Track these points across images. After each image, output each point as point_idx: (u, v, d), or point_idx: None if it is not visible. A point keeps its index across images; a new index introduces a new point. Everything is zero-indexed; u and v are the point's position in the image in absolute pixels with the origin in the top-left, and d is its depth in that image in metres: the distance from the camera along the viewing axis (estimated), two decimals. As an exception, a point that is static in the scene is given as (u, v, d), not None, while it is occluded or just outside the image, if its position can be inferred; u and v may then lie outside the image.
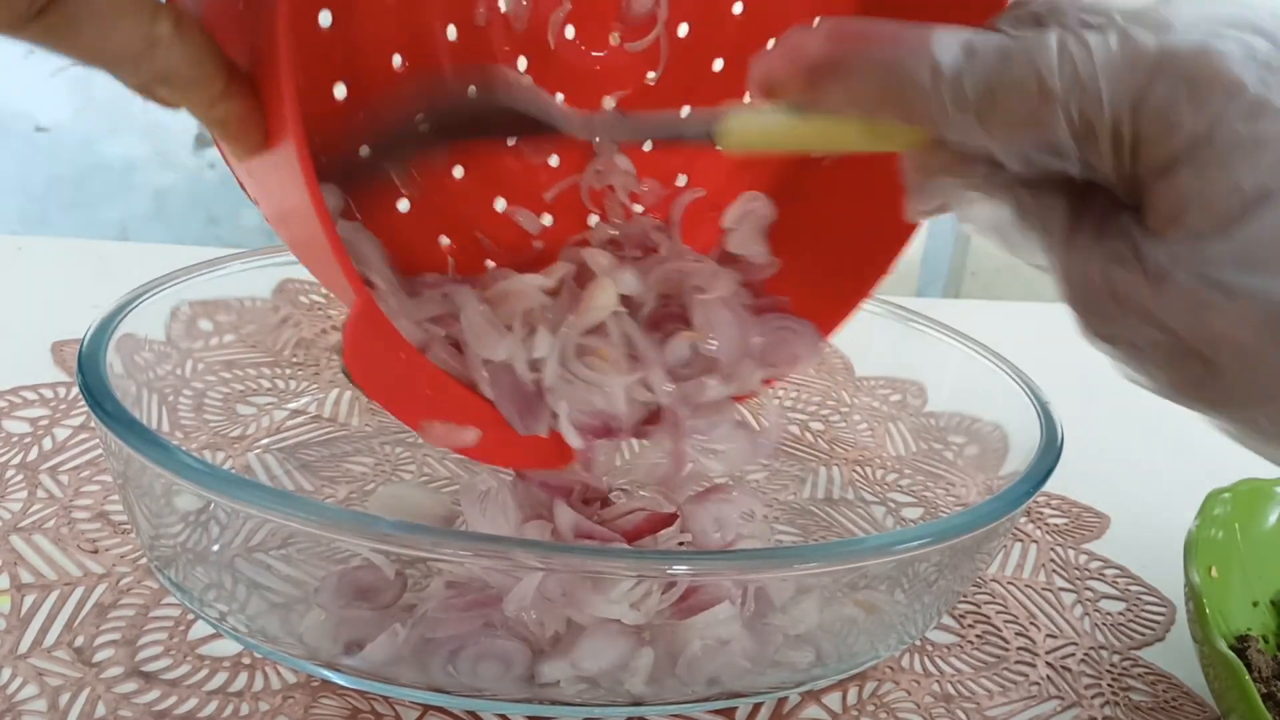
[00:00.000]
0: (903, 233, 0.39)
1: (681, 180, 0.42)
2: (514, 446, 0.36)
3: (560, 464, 0.37)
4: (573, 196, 0.40)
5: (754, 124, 0.30)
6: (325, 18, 0.33)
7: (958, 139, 0.25)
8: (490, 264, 0.39)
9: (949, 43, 0.25)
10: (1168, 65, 0.23)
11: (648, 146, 0.41)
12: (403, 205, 0.37)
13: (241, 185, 0.31)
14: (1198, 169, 0.22)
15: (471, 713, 0.34)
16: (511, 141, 0.38)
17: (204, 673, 0.34)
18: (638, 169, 0.41)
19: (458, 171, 0.38)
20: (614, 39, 0.39)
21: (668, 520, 0.37)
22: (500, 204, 0.39)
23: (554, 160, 0.39)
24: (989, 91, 0.24)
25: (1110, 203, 0.25)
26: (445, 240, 0.38)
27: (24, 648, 0.34)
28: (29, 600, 0.36)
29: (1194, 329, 0.23)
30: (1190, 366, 0.24)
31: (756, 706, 0.36)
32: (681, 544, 0.38)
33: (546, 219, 0.40)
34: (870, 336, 0.51)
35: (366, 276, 0.33)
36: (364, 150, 0.34)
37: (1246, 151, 0.22)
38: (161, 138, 1.37)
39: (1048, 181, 0.26)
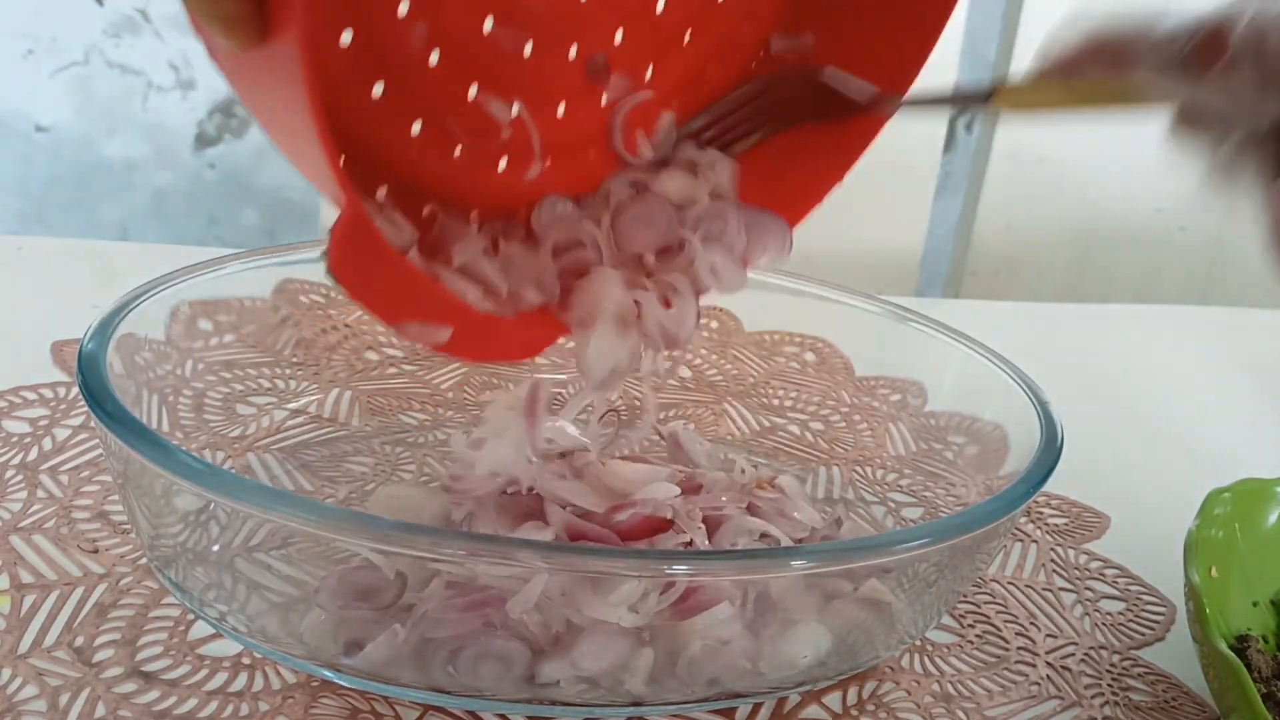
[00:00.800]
0: (868, 131, 0.40)
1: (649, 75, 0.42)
2: (484, 342, 0.38)
3: (527, 355, 0.39)
4: (545, 85, 0.40)
5: (1027, 87, 0.34)
6: None
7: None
8: (458, 151, 0.39)
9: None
10: None
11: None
12: (377, 90, 0.36)
13: (229, 81, 0.32)
14: None
15: (471, 713, 0.34)
16: (488, 28, 0.38)
17: (204, 673, 0.34)
18: (610, 62, 0.40)
19: (434, 58, 0.37)
20: None
21: (664, 525, 0.37)
22: (472, 91, 0.39)
23: (528, 49, 0.39)
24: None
25: None
26: (417, 127, 0.38)
27: (24, 648, 0.34)
28: (29, 600, 0.36)
29: None
30: None
31: (756, 706, 0.36)
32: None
33: (516, 108, 0.40)
34: (870, 336, 0.51)
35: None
36: (346, 37, 0.34)
37: None
38: (161, 138, 1.37)
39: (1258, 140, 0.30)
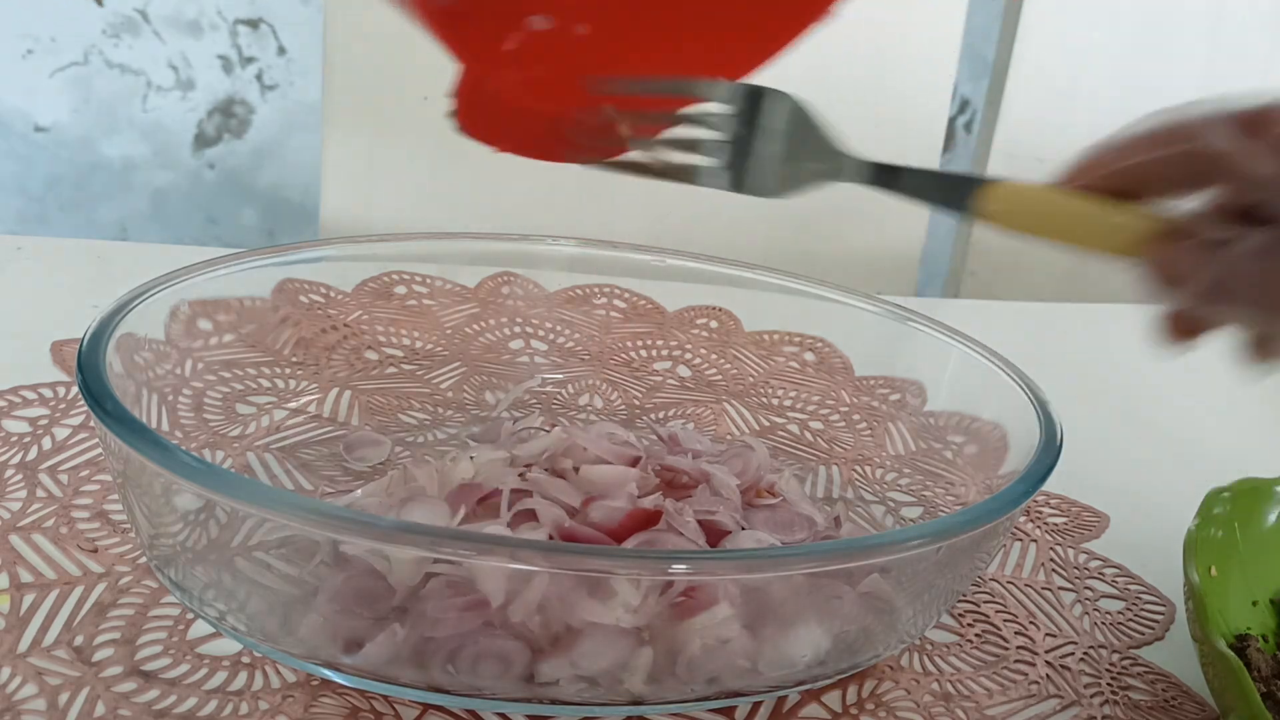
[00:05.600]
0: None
1: None
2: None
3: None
4: None
5: (1021, 193, 0.33)
6: None
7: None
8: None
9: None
10: None
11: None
12: None
13: None
14: None
15: (471, 712, 0.34)
16: None
17: (203, 672, 0.34)
18: None
19: None
20: None
21: (653, 518, 0.37)
22: None
23: None
24: None
25: None
26: None
27: (23, 647, 0.34)
28: (28, 599, 0.36)
29: None
30: None
31: (756, 705, 0.36)
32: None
33: None
34: (869, 336, 0.51)
35: None
36: None
37: None
38: (161, 138, 1.37)
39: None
